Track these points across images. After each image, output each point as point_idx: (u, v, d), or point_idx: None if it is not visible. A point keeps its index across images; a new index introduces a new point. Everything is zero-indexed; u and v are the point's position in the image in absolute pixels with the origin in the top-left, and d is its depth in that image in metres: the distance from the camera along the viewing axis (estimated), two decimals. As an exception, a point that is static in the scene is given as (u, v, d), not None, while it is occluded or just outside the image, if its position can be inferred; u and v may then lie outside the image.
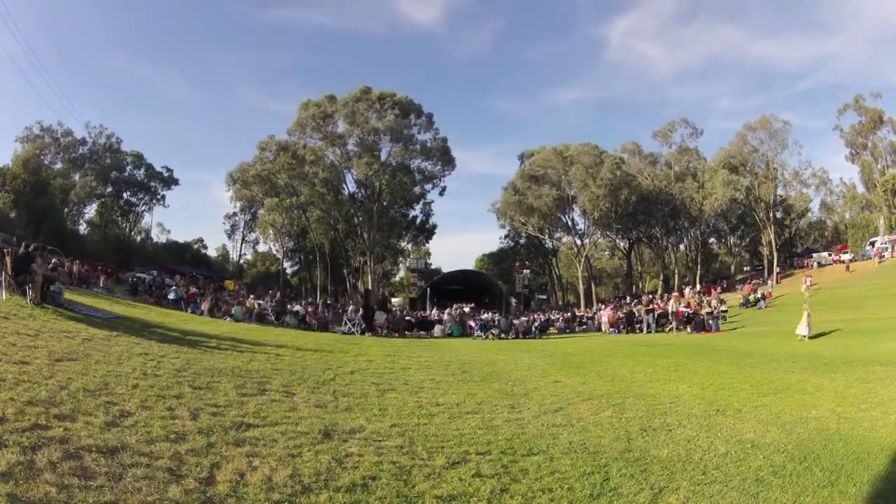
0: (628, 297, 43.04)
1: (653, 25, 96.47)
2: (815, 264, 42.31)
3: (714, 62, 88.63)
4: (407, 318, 25.19)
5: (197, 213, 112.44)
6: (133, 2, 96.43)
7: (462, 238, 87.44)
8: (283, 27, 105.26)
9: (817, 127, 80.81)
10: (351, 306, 26.42)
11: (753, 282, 42.17)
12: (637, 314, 24.03)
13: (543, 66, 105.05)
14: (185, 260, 54.91)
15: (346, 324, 20.32)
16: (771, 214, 43.60)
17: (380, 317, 22.06)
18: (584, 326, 26.44)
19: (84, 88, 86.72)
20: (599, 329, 24.66)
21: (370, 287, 47.19)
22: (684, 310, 25.17)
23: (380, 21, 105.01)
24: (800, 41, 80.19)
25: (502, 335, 21.35)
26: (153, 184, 56.33)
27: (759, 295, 29.29)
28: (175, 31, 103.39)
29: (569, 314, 29.87)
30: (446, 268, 59.49)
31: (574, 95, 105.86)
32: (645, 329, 21.66)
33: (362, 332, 19.38)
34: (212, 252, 65.73)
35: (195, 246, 63.43)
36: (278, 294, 29.76)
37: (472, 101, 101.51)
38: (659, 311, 23.50)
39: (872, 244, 39.91)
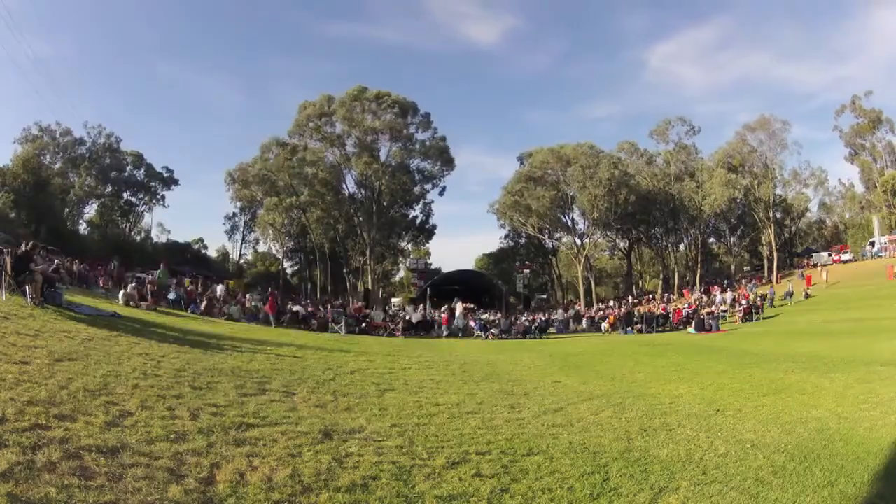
0: (629, 297, 43.09)
1: (691, 51, 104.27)
2: (815, 264, 42.35)
3: (742, 82, 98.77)
4: (406, 317, 25.15)
5: (207, 214, 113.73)
6: (194, 8, 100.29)
7: (471, 240, 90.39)
8: (340, 39, 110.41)
9: (827, 138, 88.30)
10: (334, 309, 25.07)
11: (753, 281, 42.12)
12: (637, 315, 24.04)
13: (585, 83, 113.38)
14: (186, 260, 54.89)
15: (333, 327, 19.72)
16: (770, 214, 43.57)
17: (377, 316, 21.96)
18: (584, 326, 26.46)
19: (115, 90, 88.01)
20: (599, 329, 24.69)
21: (370, 287, 47.20)
22: (684, 310, 25.18)
23: (440, 40, 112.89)
24: (817, 66, 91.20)
25: (502, 335, 21.36)
26: (153, 184, 56.33)
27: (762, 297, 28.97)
28: (230, 37, 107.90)
29: (571, 313, 29.89)
30: (446, 268, 59.40)
31: (608, 110, 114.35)
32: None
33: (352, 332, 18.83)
34: (212, 252, 65.78)
35: (195, 246, 63.43)
36: (278, 298, 29.44)
37: (511, 113, 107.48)
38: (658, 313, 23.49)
39: (872, 244, 39.93)
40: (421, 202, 51.06)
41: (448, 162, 48.47)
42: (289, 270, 65.19)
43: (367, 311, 25.65)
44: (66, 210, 48.93)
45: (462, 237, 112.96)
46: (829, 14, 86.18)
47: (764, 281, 41.95)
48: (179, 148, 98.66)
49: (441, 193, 50.56)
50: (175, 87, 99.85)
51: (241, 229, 61.82)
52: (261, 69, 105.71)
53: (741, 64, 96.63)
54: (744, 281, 41.69)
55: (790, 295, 27.75)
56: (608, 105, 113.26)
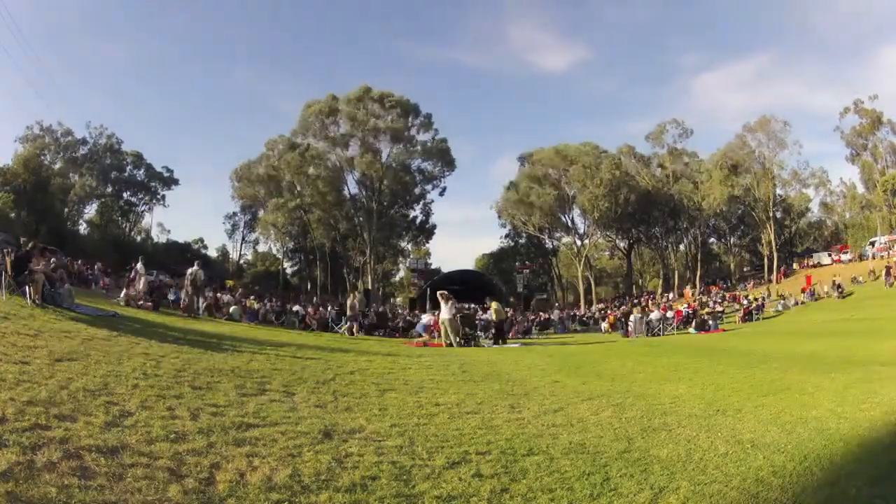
0: (628, 297, 43.12)
1: (731, 81, 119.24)
2: (815, 264, 42.30)
3: (770, 107, 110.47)
4: (407, 318, 25.14)
5: (207, 214, 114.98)
6: (281, 20, 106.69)
7: (472, 242, 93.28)
8: (411, 58, 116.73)
9: (835, 150, 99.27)
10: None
11: (752, 282, 42.03)
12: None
13: (631, 105, 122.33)
14: (185, 260, 54.87)
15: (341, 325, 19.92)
16: (770, 214, 43.54)
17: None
18: (584, 326, 26.46)
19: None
20: (599, 329, 24.69)
21: (370, 287, 47.24)
22: (684, 310, 25.18)
23: (511, 64, 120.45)
24: (832, 94, 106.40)
25: (502, 335, 21.29)
26: (153, 184, 56.38)
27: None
28: (306, 49, 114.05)
29: (572, 313, 29.89)
30: (446, 268, 59.42)
31: (645, 127, 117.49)
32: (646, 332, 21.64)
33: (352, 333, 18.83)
34: (212, 252, 65.79)
35: (195, 246, 63.43)
36: (277, 300, 29.45)
37: (552, 126, 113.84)
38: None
39: (872, 244, 39.89)
40: (421, 202, 51.25)
41: (449, 163, 48.63)
42: (289, 270, 65.23)
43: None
44: (67, 210, 48.95)
45: (476, 239, 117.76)
46: (848, 51, 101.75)
47: (764, 281, 41.93)
48: (180, 147, 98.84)
49: (441, 194, 50.77)
50: (201, 87, 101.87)
51: (242, 229, 61.90)
52: (324, 78, 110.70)
53: (773, 93, 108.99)
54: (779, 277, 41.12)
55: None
56: (649, 123, 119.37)
